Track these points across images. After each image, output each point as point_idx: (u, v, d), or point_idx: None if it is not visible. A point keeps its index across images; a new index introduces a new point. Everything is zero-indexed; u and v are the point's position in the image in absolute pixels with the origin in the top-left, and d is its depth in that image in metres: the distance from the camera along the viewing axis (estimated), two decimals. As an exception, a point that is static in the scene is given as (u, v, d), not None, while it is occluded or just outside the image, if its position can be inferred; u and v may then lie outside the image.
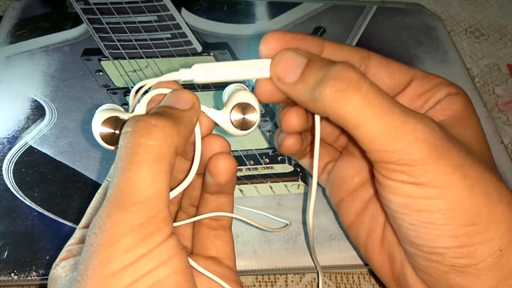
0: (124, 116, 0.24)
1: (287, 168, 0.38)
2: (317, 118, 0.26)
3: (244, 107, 0.25)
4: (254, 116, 0.25)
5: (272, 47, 0.25)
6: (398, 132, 0.23)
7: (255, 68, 0.25)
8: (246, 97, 0.25)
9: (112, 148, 0.24)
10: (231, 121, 0.25)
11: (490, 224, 0.23)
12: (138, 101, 0.25)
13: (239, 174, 0.38)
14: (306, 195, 0.37)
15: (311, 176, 0.36)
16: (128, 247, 0.19)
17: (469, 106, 0.27)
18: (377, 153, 0.23)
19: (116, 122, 0.23)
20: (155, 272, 0.19)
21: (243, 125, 0.25)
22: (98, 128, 0.23)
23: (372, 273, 0.35)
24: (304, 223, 0.35)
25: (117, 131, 0.23)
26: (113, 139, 0.23)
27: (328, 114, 0.23)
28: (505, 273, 0.23)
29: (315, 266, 0.33)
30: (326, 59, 0.24)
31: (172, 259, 0.20)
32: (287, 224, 0.34)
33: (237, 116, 0.25)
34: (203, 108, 0.25)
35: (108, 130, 0.23)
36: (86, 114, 0.39)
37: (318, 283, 0.34)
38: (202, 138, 0.25)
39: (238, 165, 0.38)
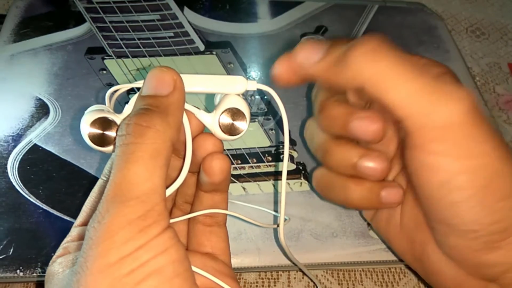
0: (112, 116, 0.24)
1: (289, 166, 0.39)
2: (284, 119, 0.26)
3: (234, 113, 0.25)
4: (243, 123, 0.25)
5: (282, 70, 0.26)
6: (438, 90, 0.22)
7: (229, 84, 0.25)
8: (238, 103, 0.25)
9: (101, 149, 0.24)
10: (219, 125, 0.25)
11: None
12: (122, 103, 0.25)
13: (242, 172, 0.38)
14: (308, 193, 0.37)
15: None
16: (125, 239, 0.19)
17: (461, 83, 0.27)
18: (417, 116, 0.22)
19: (104, 123, 0.23)
20: (152, 262, 0.20)
21: (231, 130, 0.25)
22: (87, 129, 0.23)
23: (374, 270, 0.35)
24: (308, 220, 0.36)
25: (106, 132, 0.23)
26: (101, 140, 0.23)
27: (358, 78, 0.23)
28: None
29: (294, 264, 0.33)
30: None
31: (169, 249, 0.20)
32: (285, 220, 0.35)
33: (226, 120, 0.25)
34: (193, 109, 0.25)
35: (96, 131, 0.23)
36: (90, 112, 0.40)
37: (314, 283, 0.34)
38: (194, 137, 0.25)
39: (241, 163, 0.38)
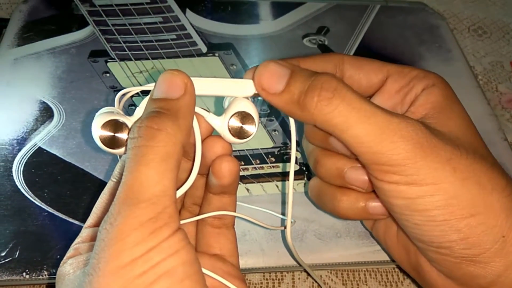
0: (123, 119, 0.24)
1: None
2: (291, 120, 0.27)
3: (243, 116, 0.25)
4: (252, 127, 0.25)
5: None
6: (383, 133, 0.24)
7: (238, 87, 0.26)
8: (247, 106, 0.25)
9: (112, 151, 0.24)
10: (228, 128, 0.25)
11: (489, 213, 0.24)
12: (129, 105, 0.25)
13: (245, 173, 0.38)
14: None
15: None
16: (137, 241, 0.20)
17: (448, 95, 0.28)
18: (367, 155, 0.25)
19: (115, 125, 0.24)
20: (164, 263, 0.20)
21: (240, 134, 0.25)
22: (98, 132, 0.23)
23: (378, 270, 0.35)
24: (311, 221, 0.36)
25: (117, 134, 0.24)
26: (112, 142, 0.24)
27: (316, 121, 0.25)
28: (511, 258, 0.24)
29: (300, 264, 0.33)
30: (307, 69, 0.26)
31: (180, 251, 0.20)
32: (291, 222, 0.35)
33: (236, 124, 0.25)
34: (203, 112, 0.25)
35: (108, 133, 0.23)
36: (94, 115, 0.40)
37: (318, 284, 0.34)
38: (203, 140, 0.26)
39: (244, 165, 0.38)
